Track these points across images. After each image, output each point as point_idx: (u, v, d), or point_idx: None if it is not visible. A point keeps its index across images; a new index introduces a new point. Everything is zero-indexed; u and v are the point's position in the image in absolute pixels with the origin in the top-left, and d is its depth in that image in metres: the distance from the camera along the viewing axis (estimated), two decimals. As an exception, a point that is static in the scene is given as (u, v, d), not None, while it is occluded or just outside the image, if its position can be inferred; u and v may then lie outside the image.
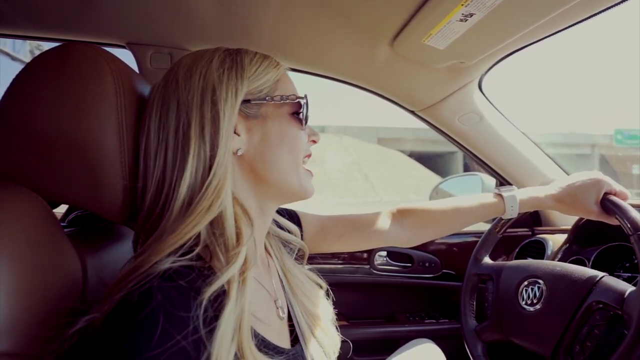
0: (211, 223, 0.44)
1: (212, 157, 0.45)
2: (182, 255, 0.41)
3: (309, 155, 0.56)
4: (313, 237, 0.72)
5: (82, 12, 0.85)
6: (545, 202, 0.75)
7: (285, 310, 0.57)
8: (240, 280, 0.43)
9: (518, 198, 0.74)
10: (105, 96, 0.47)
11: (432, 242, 1.33)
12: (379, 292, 1.36)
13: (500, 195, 0.75)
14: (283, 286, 0.59)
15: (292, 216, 0.71)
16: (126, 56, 0.94)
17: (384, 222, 0.76)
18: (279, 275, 0.60)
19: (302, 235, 0.70)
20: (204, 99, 0.47)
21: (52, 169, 0.46)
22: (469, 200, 0.76)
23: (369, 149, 16.42)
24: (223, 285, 0.41)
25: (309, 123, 0.55)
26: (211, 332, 0.38)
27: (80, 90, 0.46)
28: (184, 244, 0.42)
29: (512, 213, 0.75)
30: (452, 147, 1.27)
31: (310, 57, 1.01)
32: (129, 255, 0.47)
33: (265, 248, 0.61)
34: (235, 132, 0.48)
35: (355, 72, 1.07)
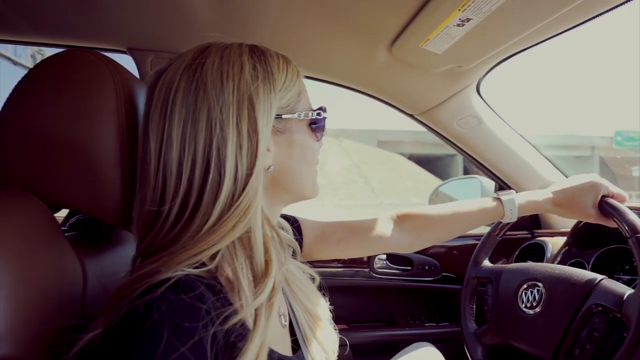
0: (234, 242, 0.42)
1: (248, 177, 0.43)
2: (193, 267, 0.39)
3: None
4: (313, 242, 0.72)
5: (84, 17, 0.86)
6: (544, 205, 0.75)
7: (287, 318, 0.57)
8: (268, 306, 0.40)
9: (517, 202, 0.74)
10: (106, 101, 0.48)
11: (431, 246, 1.33)
12: (378, 296, 1.36)
13: (499, 200, 0.76)
14: (283, 288, 0.59)
15: (292, 222, 0.71)
16: (127, 61, 0.95)
17: (384, 227, 0.76)
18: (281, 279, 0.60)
19: (302, 240, 0.70)
20: (241, 114, 0.43)
21: (53, 174, 0.47)
22: (468, 205, 0.77)
23: (369, 151, 16.43)
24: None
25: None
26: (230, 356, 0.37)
27: (82, 95, 0.47)
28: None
29: (511, 217, 0.75)
30: (451, 150, 1.28)
31: (309, 61, 1.02)
32: (129, 259, 0.47)
33: None
34: (267, 148, 0.47)
35: (353, 76, 1.08)
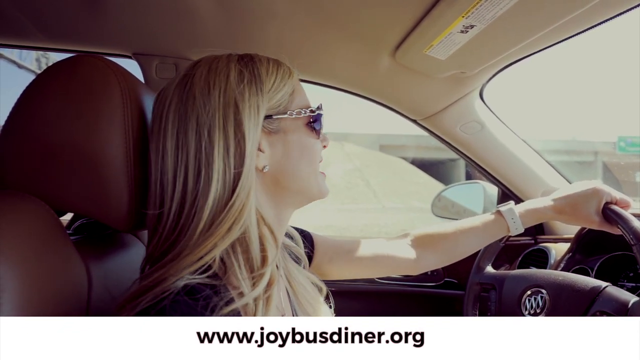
0: (232, 243, 0.44)
1: (237, 178, 0.44)
2: (198, 272, 0.40)
3: (321, 160, 0.57)
4: (323, 254, 0.72)
5: (90, 23, 0.87)
6: (546, 213, 0.75)
7: None
8: (265, 298, 0.42)
9: (516, 211, 0.74)
10: (112, 107, 0.48)
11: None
12: (380, 300, 1.35)
13: (498, 212, 0.75)
14: (289, 296, 0.59)
15: (305, 236, 0.71)
16: (132, 66, 0.96)
17: (393, 246, 0.76)
18: (285, 286, 0.60)
19: (312, 253, 0.70)
20: (226, 117, 0.45)
21: (59, 178, 0.47)
22: (470, 220, 0.77)
23: (371, 155, 16.44)
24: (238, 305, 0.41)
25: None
26: None
27: (89, 101, 0.48)
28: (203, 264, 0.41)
29: (516, 227, 0.74)
30: (454, 155, 1.28)
31: (313, 66, 1.02)
32: (133, 263, 0.48)
33: None
34: (259, 149, 0.48)
35: (357, 81, 1.08)
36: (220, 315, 0.38)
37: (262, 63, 0.51)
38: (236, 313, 0.40)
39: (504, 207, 0.75)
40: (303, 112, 0.52)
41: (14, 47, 0.99)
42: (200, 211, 0.43)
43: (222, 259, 0.43)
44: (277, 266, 0.61)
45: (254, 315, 0.41)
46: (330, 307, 0.64)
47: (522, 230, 0.75)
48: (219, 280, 0.42)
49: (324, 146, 0.57)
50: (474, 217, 0.78)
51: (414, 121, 1.22)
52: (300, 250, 0.66)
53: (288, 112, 0.51)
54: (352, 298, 1.33)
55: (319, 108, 0.54)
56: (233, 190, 0.44)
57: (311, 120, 0.53)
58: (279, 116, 0.50)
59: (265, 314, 0.42)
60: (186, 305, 0.38)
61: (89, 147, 0.47)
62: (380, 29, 0.83)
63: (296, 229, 0.70)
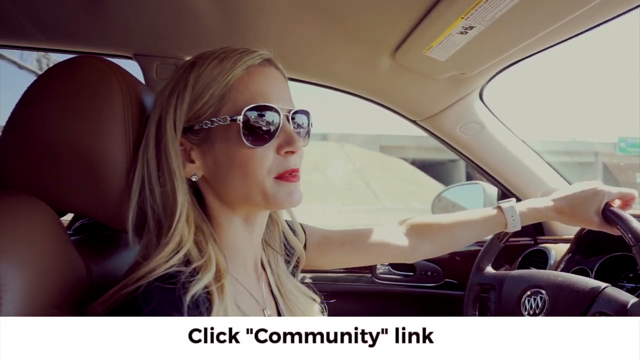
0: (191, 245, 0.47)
1: (169, 190, 0.47)
2: (173, 261, 0.45)
3: (291, 171, 0.50)
4: (316, 247, 0.72)
5: (91, 24, 0.87)
6: (545, 213, 0.75)
7: None
8: (217, 287, 0.45)
9: (517, 209, 0.74)
10: (113, 108, 0.48)
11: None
12: (380, 301, 1.35)
13: (499, 208, 0.76)
14: (276, 300, 0.59)
15: (294, 230, 0.71)
16: (132, 67, 0.96)
17: (386, 232, 0.76)
18: (273, 288, 0.60)
19: (305, 243, 0.70)
20: (156, 131, 0.49)
21: (60, 179, 0.48)
22: (469, 212, 0.77)
23: (372, 156, 16.44)
24: (208, 291, 0.45)
25: (287, 132, 0.49)
26: None
27: (90, 102, 0.48)
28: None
29: (514, 224, 0.74)
30: (454, 155, 1.28)
31: (313, 67, 1.03)
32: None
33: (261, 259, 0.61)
34: (190, 160, 0.50)
35: (357, 82, 1.09)
36: (188, 298, 0.42)
37: (203, 63, 0.48)
38: (203, 297, 0.44)
39: (505, 204, 0.75)
40: (230, 118, 0.46)
41: (14, 48, 0.99)
42: (151, 219, 0.48)
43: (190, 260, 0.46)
44: (264, 267, 0.61)
45: (212, 300, 0.44)
46: (324, 313, 0.64)
47: (519, 228, 0.75)
48: (190, 266, 0.45)
49: (290, 152, 0.49)
50: (474, 210, 0.78)
51: (414, 122, 1.22)
52: (300, 245, 0.66)
53: (211, 121, 0.47)
54: (352, 298, 1.33)
55: (262, 109, 0.47)
56: (174, 200, 0.47)
57: (244, 126, 0.47)
58: (201, 126, 0.48)
59: (222, 301, 0.45)
60: (157, 290, 0.41)
61: (90, 147, 0.47)
62: (380, 30, 0.83)
63: (287, 222, 0.69)
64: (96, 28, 0.89)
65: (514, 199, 0.77)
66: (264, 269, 0.61)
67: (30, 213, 0.43)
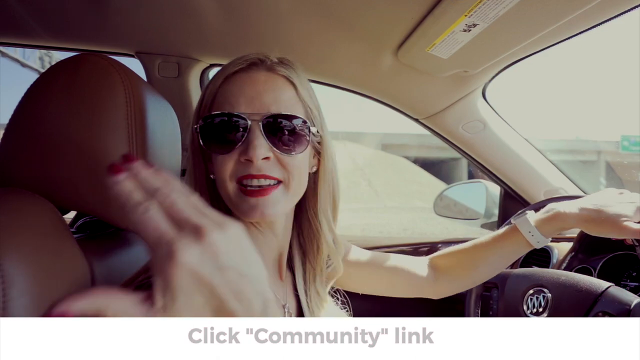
0: None
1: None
2: None
3: (250, 176, 0.47)
4: (349, 263, 0.70)
5: (93, 22, 0.87)
6: (570, 223, 0.65)
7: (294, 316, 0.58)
8: None
9: (531, 220, 0.67)
10: (116, 105, 0.48)
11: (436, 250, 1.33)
12: (380, 300, 1.35)
13: (514, 227, 0.68)
14: (299, 301, 0.59)
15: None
16: (134, 65, 0.96)
17: (414, 263, 0.75)
18: (299, 289, 0.60)
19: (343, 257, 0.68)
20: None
21: (63, 177, 0.48)
22: (483, 237, 0.73)
23: (373, 155, 16.43)
24: None
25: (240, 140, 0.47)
26: None
27: (92, 99, 0.48)
28: None
29: (537, 239, 0.66)
30: (456, 154, 1.27)
31: (315, 65, 1.02)
32: (135, 261, 0.48)
33: (289, 259, 0.60)
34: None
35: (360, 80, 1.08)
36: None
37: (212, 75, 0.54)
38: None
39: (516, 219, 0.68)
40: (194, 128, 0.50)
41: (17, 46, 0.99)
42: None
43: None
44: (292, 265, 0.61)
45: None
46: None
47: (548, 242, 0.67)
48: None
49: (247, 160, 0.47)
50: (490, 236, 0.71)
51: (416, 120, 1.21)
52: (338, 258, 0.64)
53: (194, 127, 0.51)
54: (353, 297, 1.33)
55: (218, 116, 0.46)
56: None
57: (199, 135, 0.48)
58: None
59: None
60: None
61: (92, 145, 0.47)
62: (383, 28, 0.82)
63: None
64: (99, 26, 0.90)
65: (527, 213, 0.69)
66: (290, 269, 0.61)
67: (34, 211, 0.43)
